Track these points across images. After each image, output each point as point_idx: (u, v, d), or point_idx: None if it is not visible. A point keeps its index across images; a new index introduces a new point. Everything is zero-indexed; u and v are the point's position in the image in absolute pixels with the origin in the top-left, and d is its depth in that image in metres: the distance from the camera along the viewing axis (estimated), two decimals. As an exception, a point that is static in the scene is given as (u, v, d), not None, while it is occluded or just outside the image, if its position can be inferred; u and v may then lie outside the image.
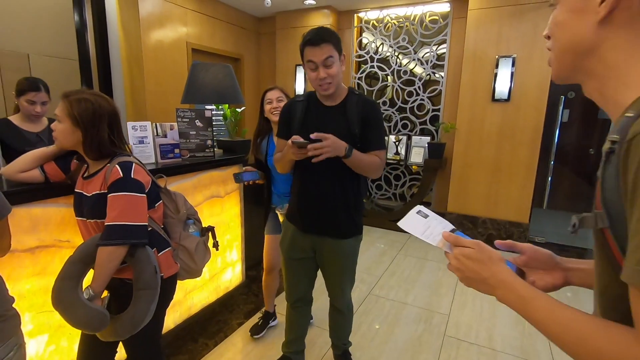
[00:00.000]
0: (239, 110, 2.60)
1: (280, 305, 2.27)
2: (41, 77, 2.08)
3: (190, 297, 2.09)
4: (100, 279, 1.09)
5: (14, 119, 1.95)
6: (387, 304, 2.57)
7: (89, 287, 1.10)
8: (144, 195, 1.19)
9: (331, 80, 1.39)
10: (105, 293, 1.16)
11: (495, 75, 3.53)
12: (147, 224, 1.20)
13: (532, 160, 3.52)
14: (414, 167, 4.36)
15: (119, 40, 3.51)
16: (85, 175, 1.23)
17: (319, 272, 1.69)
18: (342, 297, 1.69)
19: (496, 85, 3.54)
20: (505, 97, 3.51)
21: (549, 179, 3.78)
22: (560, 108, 3.60)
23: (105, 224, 1.11)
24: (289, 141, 1.31)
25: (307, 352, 1.90)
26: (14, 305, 0.96)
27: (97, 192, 1.16)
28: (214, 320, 2.27)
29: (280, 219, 2.01)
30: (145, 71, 3.50)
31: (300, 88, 4.70)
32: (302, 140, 1.28)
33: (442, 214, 4.08)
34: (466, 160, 3.82)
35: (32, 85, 1.91)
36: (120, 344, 1.34)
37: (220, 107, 2.72)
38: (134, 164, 1.19)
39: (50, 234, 1.35)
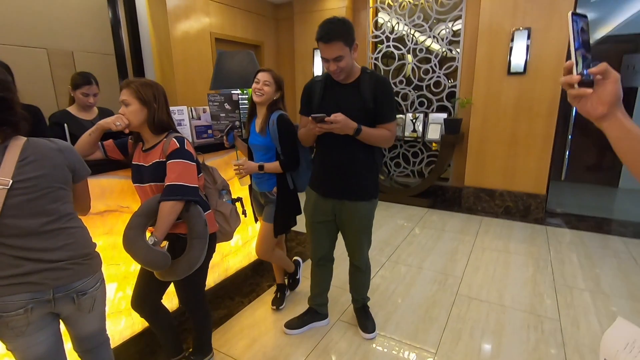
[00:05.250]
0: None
1: (306, 269, 2.53)
2: (83, 72, 2.35)
3: (227, 261, 2.37)
4: (162, 228, 1.35)
5: (71, 109, 2.25)
6: (404, 269, 2.78)
7: (153, 234, 1.36)
8: (195, 163, 1.44)
9: (341, 71, 1.58)
10: (165, 243, 1.43)
11: (511, 48, 3.56)
12: (198, 186, 1.45)
13: (549, 132, 3.56)
14: (434, 145, 4.46)
15: (149, 34, 3.78)
16: (144, 149, 1.49)
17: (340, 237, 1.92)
18: (360, 256, 1.90)
19: (512, 59, 3.57)
20: (521, 70, 3.54)
21: (567, 151, 3.80)
22: (579, 78, 3.58)
23: (166, 184, 1.37)
24: (310, 117, 1.51)
25: (330, 308, 2.15)
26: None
27: (157, 160, 1.42)
28: (247, 283, 2.56)
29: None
30: (174, 62, 3.77)
31: (318, 71, 4.85)
32: (319, 114, 1.48)
33: (460, 189, 4.22)
34: (483, 135, 3.90)
35: (85, 79, 2.19)
36: (174, 294, 1.63)
37: (245, 91, 2.93)
38: (185, 139, 1.45)
39: (115, 201, 1.63)
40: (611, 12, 4.55)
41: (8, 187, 0.97)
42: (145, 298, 1.60)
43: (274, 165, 1.91)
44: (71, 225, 1.12)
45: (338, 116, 1.51)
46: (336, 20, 1.52)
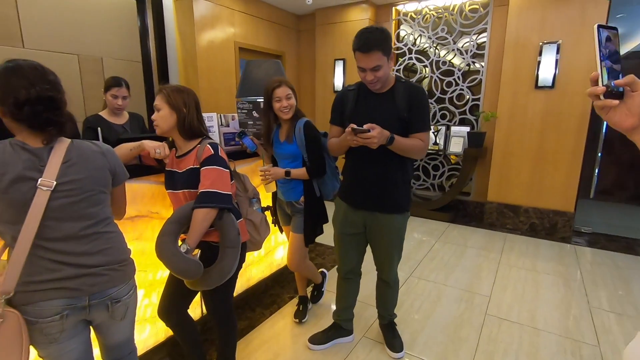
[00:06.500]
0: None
1: (332, 280, 2.47)
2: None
3: (249, 270, 2.33)
4: (194, 236, 1.31)
5: (103, 114, 2.28)
6: (429, 285, 2.68)
7: (185, 242, 1.32)
8: (228, 170, 1.41)
9: (377, 80, 1.53)
10: (197, 251, 1.40)
11: (539, 62, 3.49)
12: (231, 193, 1.42)
13: (578, 148, 3.45)
14: (452, 157, 4.39)
15: (175, 42, 3.85)
16: (177, 155, 1.47)
17: (368, 249, 1.86)
18: (390, 270, 1.84)
19: (539, 72, 3.50)
20: (550, 84, 3.46)
21: (597, 169, 3.68)
22: (610, 94, 3.49)
23: (200, 191, 1.34)
24: (348, 127, 1.45)
25: (354, 323, 2.07)
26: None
27: (190, 167, 1.39)
28: (268, 294, 2.51)
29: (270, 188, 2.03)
30: (199, 70, 3.82)
31: (339, 82, 4.85)
32: (359, 127, 1.42)
33: (482, 204, 4.12)
34: (507, 149, 3.81)
35: (116, 81, 2.22)
36: (197, 304, 1.58)
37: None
38: (219, 145, 1.42)
39: (145, 206, 1.61)
40: (638, 27, 4.45)
41: (52, 189, 0.96)
42: (172, 307, 1.56)
43: (300, 172, 1.89)
44: (109, 230, 1.10)
45: (375, 127, 1.45)
46: (374, 30, 1.48)
